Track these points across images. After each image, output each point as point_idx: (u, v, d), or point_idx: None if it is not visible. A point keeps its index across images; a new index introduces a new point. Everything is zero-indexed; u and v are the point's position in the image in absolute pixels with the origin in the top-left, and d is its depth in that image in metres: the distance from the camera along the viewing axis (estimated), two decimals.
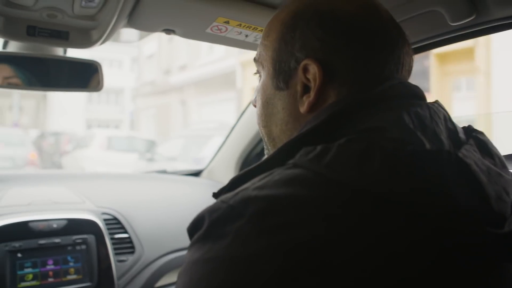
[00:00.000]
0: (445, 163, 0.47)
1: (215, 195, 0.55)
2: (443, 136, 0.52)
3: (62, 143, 13.97)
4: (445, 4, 0.87)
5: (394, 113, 0.52)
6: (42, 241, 1.20)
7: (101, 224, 1.30)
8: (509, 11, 0.86)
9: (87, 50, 1.10)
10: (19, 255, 1.17)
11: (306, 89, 0.60)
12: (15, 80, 1.13)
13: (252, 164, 0.57)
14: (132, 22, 1.01)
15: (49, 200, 1.37)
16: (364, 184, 0.45)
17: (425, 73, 7.56)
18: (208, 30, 1.07)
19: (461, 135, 0.56)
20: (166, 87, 17.76)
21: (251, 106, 0.71)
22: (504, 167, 0.55)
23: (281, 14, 0.64)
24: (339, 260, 0.41)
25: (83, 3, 0.90)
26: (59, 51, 1.17)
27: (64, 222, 1.25)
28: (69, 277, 1.21)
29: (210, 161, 1.99)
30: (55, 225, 1.24)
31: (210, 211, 0.48)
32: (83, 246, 1.25)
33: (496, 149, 0.58)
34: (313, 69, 0.58)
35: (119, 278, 1.29)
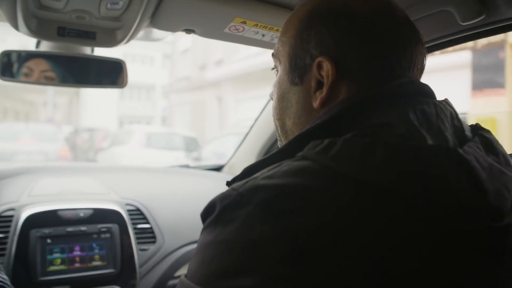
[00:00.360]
0: (445, 158, 0.49)
1: (228, 184, 0.58)
2: (448, 133, 0.54)
3: (97, 139, 13.87)
4: (455, 4, 0.88)
5: (400, 110, 0.54)
6: (69, 229, 1.28)
7: (124, 215, 1.37)
8: None
9: (118, 47, 1.16)
10: (48, 241, 1.24)
11: (319, 85, 0.62)
12: (50, 74, 1.21)
13: None
14: (154, 22, 1.07)
15: (77, 191, 1.45)
16: (366, 176, 0.47)
17: (499, 66, 5.88)
18: (226, 30, 1.11)
19: (467, 132, 0.58)
20: (202, 83, 16.94)
21: (271, 102, 0.74)
22: (508, 165, 0.56)
23: (299, 12, 0.66)
24: (342, 247, 0.44)
25: (109, 5, 0.96)
26: (87, 50, 1.24)
27: (90, 212, 1.33)
28: (94, 263, 1.28)
29: (231, 157, 2.03)
30: (82, 214, 1.31)
31: (221, 198, 0.51)
32: (108, 235, 1.32)
33: (502, 147, 0.59)
34: (327, 66, 0.59)
35: (140, 266, 1.35)
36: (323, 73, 0.60)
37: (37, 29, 1.03)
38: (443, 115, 0.56)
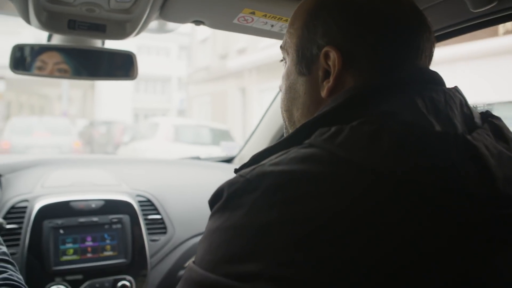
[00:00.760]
0: (452, 144, 0.49)
1: (236, 171, 0.58)
2: (457, 120, 0.54)
3: (115, 133, 13.52)
4: None
5: (408, 98, 0.54)
6: (81, 219, 1.30)
7: (135, 205, 1.39)
8: None
9: (129, 39, 1.17)
10: (61, 231, 1.27)
11: (327, 74, 0.62)
12: (64, 66, 1.23)
13: None
14: (163, 14, 1.07)
15: (88, 182, 1.47)
16: (372, 163, 0.47)
17: None
18: (235, 21, 1.11)
19: (477, 120, 0.57)
20: (223, 73, 15.67)
21: (281, 94, 0.74)
22: None
23: (306, 3, 0.67)
24: (353, 235, 0.44)
25: None
26: (97, 43, 1.26)
27: (102, 203, 1.35)
28: (106, 253, 1.30)
29: (242, 148, 2.03)
30: (93, 205, 1.33)
31: (229, 184, 0.52)
32: (119, 225, 1.34)
33: None
34: (333, 55, 0.60)
35: (151, 256, 1.37)
36: (330, 63, 0.61)
37: (48, 22, 1.04)
38: (452, 102, 0.55)
